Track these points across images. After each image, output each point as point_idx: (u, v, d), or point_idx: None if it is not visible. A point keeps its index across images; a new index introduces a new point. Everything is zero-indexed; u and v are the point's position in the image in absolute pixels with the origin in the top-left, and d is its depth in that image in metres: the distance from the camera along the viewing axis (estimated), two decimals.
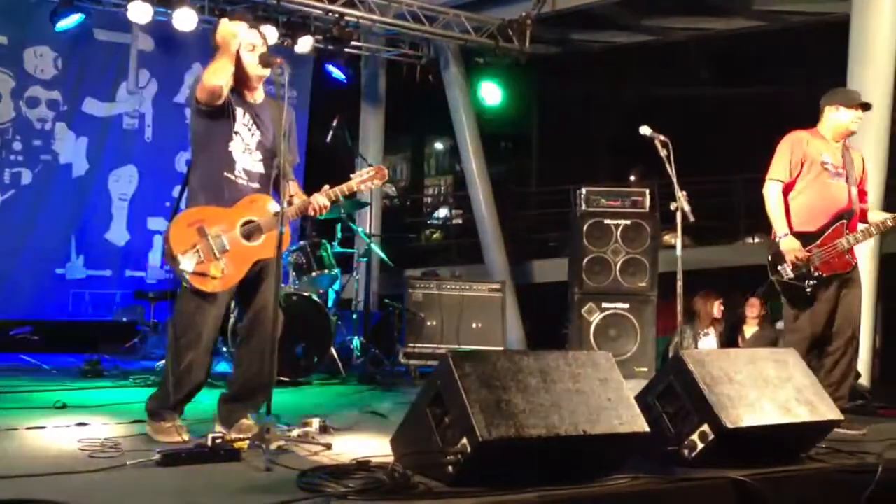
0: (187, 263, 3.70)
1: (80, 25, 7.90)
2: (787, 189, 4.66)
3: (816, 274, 4.52)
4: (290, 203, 3.93)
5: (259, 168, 3.92)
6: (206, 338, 3.82)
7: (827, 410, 3.63)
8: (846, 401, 4.54)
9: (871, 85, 5.88)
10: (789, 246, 4.53)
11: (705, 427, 3.34)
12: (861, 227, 4.62)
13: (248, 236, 3.81)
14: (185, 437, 3.74)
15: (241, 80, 3.90)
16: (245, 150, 3.87)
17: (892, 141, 6.28)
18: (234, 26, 3.72)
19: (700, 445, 3.34)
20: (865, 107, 4.71)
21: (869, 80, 5.88)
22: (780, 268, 4.57)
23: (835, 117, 4.69)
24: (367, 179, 4.02)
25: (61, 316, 8.27)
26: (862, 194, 4.77)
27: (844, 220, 4.59)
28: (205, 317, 3.79)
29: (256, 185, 3.91)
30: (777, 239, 4.58)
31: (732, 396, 3.42)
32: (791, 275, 4.52)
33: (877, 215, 4.75)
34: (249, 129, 3.90)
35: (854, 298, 4.60)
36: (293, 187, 4.04)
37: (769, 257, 4.64)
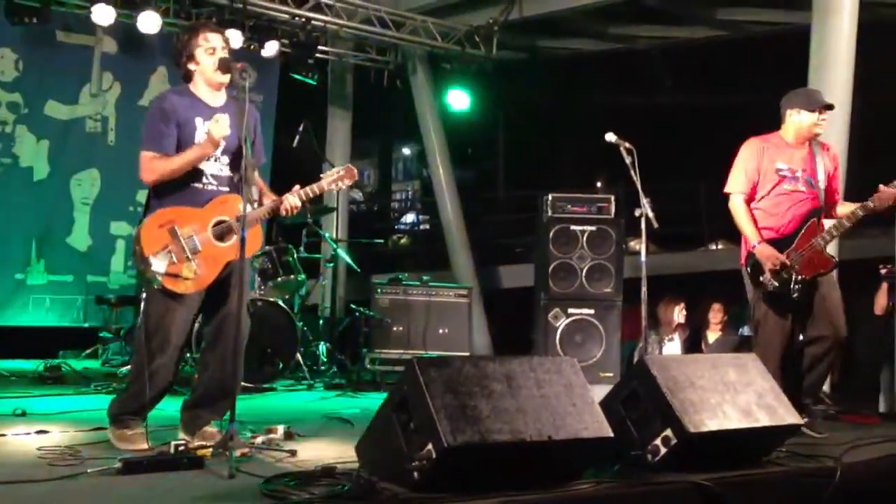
0: (159, 265, 3.66)
1: (42, 27, 7.78)
2: (749, 199, 4.58)
3: (800, 278, 4.39)
4: (260, 203, 3.91)
5: (227, 172, 3.89)
6: (175, 341, 3.79)
7: (787, 415, 3.68)
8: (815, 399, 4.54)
9: (830, 92, 5.97)
10: (765, 254, 4.41)
11: (668, 432, 3.37)
12: (832, 222, 4.51)
13: (220, 237, 3.78)
14: (147, 444, 3.69)
15: (200, 85, 3.88)
16: (210, 157, 3.84)
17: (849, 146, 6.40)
18: (223, 130, 3.70)
19: (663, 450, 3.37)
20: (828, 108, 4.59)
21: (829, 87, 5.98)
22: (762, 279, 4.43)
23: (796, 120, 4.58)
24: (337, 179, 4.00)
25: (21, 321, 8.14)
26: (833, 192, 4.65)
27: (815, 219, 4.49)
28: (175, 319, 3.75)
29: (226, 189, 3.88)
30: (752, 249, 4.46)
31: (695, 401, 3.46)
32: (775, 283, 4.38)
33: (845, 207, 4.61)
34: None
35: (835, 300, 4.48)
36: (255, 191, 3.98)
37: (748, 269, 4.50)
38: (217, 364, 3.85)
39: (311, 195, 3.93)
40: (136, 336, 3.82)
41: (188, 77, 3.92)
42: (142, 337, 3.77)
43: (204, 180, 3.83)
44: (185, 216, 3.74)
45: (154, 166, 3.76)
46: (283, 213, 3.89)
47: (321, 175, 4.02)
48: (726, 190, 4.62)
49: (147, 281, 3.76)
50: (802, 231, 4.46)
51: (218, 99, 3.92)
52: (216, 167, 3.86)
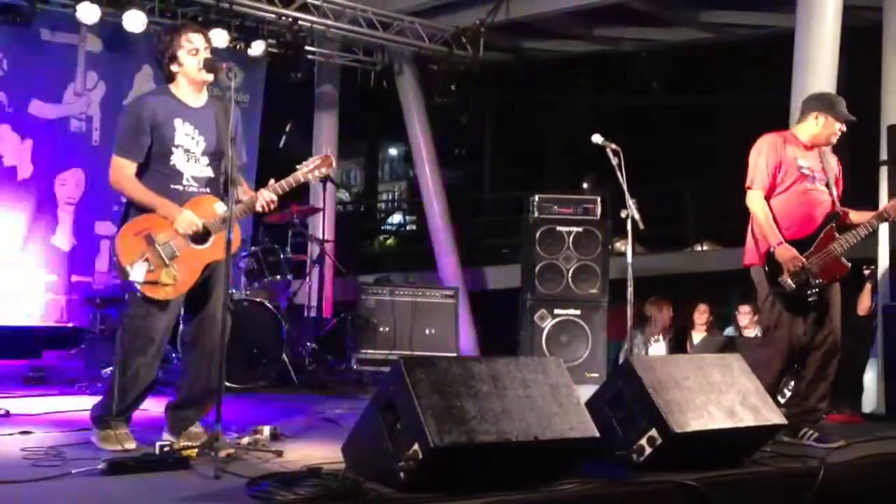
0: (137, 273, 3.65)
1: (26, 26, 7.73)
2: (767, 196, 4.41)
3: (817, 282, 4.28)
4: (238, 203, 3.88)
5: (208, 173, 3.88)
6: (157, 345, 3.78)
7: (771, 415, 3.71)
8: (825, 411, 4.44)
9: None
10: (787, 255, 4.26)
11: (654, 432, 3.39)
12: (850, 230, 4.39)
13: (196, 240, 3.76)
14: (132, 445, 3.68)
15: (182, 86, 3.86)
16: (190, 159, 3.83)
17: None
18: (190, 225, 3.68)
19: (648, 450, 3.39)
20: (852, 121, 4.49)
21: (811, 90, 6.01)
22: (780, 279, 4.29)
23: (820, 124, 4.44)
24: (313, 169, 3.93)
25: (5, 321, 8.07)
26: (839, 198, 4.54)
27: (833, 224, 4.39)
28: (156, 324, 3.74)
29: (207, 191, 3.87)
30: (772, 248, 4.31)
31: (680, 401, 3.48)
32: (793, 285, 4.26)
33: (859, 215, 4.49)
34: (193, 138, 3.84)
35: (838, 307, 4.44)
36: (240, 191, 3.97)
37: (765, 268, 4.35)
38: (199, 365, 3.84)
39: (286, 188, 3.88)
40: (118, 338, 3.79)
41: (170, 78, 3.89)
42: (123, 340, 3.75)
43: (184, 182, 3.82)
44: (161, 222, 3.72)
45: (120, 180, 3.78)
46: (261, 208, 3.84)
47: (297, 166, 3.95)
48: (747, 185, 4.44)
49: (129, 288, 3.73)
50: (821, 235, 4.34)
51: (199, 100, 3.91)
52: (197, 168, 3.85)
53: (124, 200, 3.91)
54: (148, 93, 4.11)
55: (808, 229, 4.38)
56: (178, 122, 3.81)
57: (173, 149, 3.80)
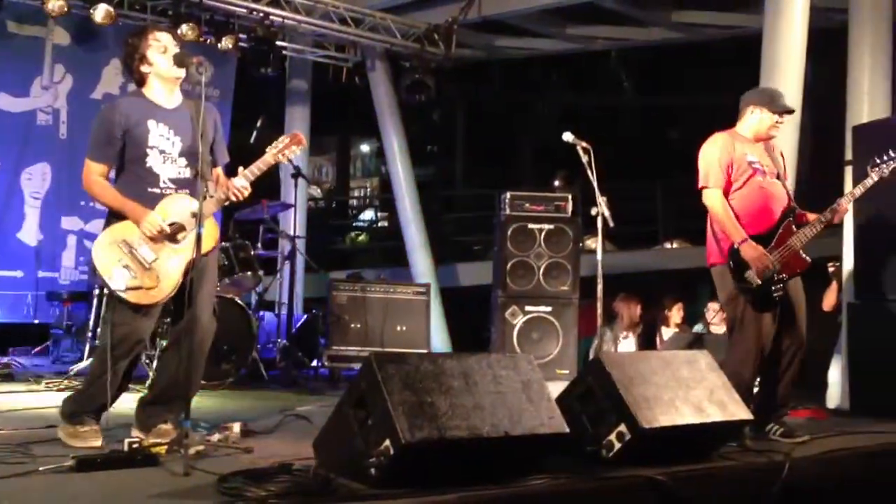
0: (119, 281, 3.62)
1: None
2: (724, 194, 4.39)
3: (782, 277, 4.30)
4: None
5: (186, 174, 3.83)
6: (140, 347, 3.78)
7: (737, 410, 3.76)
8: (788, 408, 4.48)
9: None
10: (753, 252, 4.27)
11: (622, 427, 3.42)
12: (807, 225, 4.40)
13: (174, 240, 3.73)
14: (101, 442, 3.64)
15: (155, 87, 3.83)
16: (166, 160, 3.79)
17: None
18: (154, 226, 3.65)
19: (617, 445, 3.42)
20: (789, 112, 4.52)
21: (780, 89, 6.09)
22: (746, 275, 4.30)
23: (756, 118, 4.47)
24: (283, 148, 3.83)
25: None
26: None
27: (790, 218, 4.41)
28: (141, 327, 3.72)
29: (186, 192, 3.83)
30: (737, 246, 4.31)
31: (649, 397, 3.51)
32: (759, 280, 4.27)
33: (813, 216, 4.49)
34: (168, 139, 3.81)
35: (802, 302, 4.46)
36: (211, 187, 3.92)
37: (730, 265, 4.34)
38: (177, 364, 3.80)
39: (256, 172, 3.81)
40: (103, 346, 3.73)
41: (142, 81, 3.86)
42: (109, 346, 3.68)
43: (161, 184, 3.78)
44: (135, 227, 3.69)
45: (92, 184, 3.76)
46: (234, 197, 3.79)
47: (267, 148, 3.85)
48: (702, 185, 4.44)
49: (115, 296, 3.70)
50: (780, 230, 4.37)
51: (173, 101, 3.87)
52: (174, 170, 3.81)
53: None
54: (123, 97, 4.09)
55: (767, 223, 4.39)
56: (151, 123, 3.78)
57: (148, 150, 3.76)
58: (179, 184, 3.81)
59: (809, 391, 5.94)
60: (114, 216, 3.77)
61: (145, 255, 3.67)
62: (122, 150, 3.77)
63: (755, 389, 4.55)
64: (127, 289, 3.61)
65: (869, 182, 4.47)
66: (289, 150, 3.85)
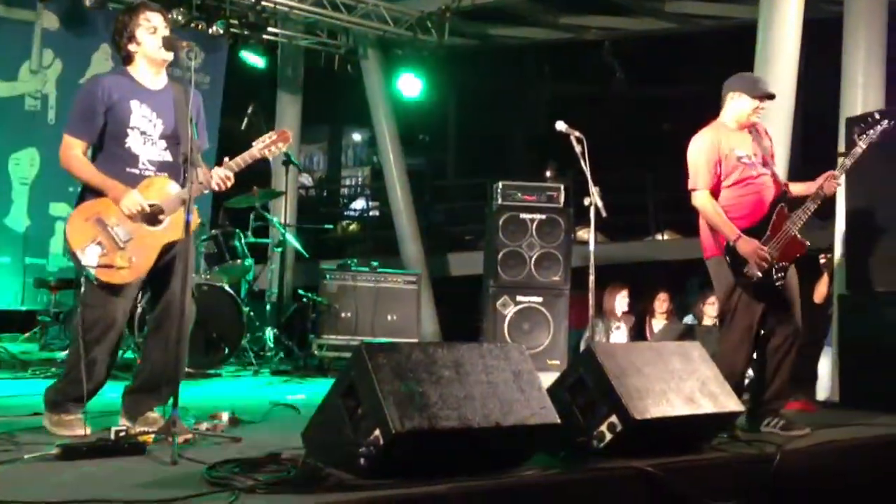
0: (90, 258, 3.56)
1: None
2: (714, 192, 4.37)
3: (782, 265, 4.27)
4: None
5: (166, 157, 3.79)
6: (116, 331, 3.71)
7: (728, 402, 3.75)
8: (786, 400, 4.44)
9: (775, 85, 6.05)
10: (749, 247, 4.23)
11: (614, 418, 3.40)
12: (800, 207, 4.37)
13: (151, 221, 3.69)
14: (87, 430, 3.60)
15: (141, 67, 3.78)
16: (147, 141, 3.74)
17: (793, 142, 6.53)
18: (135, 205, 3.59)
19: (609, 436, 3.40)
20: (769, 97, 4.47)
21: (774, 80, 6.07)
22: (745, 270, 4.26)
23: (736, 105, 4.42)
24: (269, 144, 3.82)
25: None
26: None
27: (782, 203, 4.36)
28: (114, 310, 3.66)
29: (166, 175, 3.79)
30: (731, 244, 4.26)
31: (640, 388, 3.50)
32: (759, 274, 4.23)
33: (797, 187, 4.51)
34: (150, 121, 3.76)
35: (796, 288, 4.44)
36: (200, 173, 3.89)
37: (727, 259, 4.30)
38: (161, 350, 3.77)
39: (241, 164, 3.79)
40: (74, 325, 3.70)
41: (128, 59, 3.80)
42: (82, 328, 3.65)
43: (140, 165, 3.73)
44: (112, 205, 3.63)
45: (69, 159, 3.69)
46: (216, 186, 3.76)
47: (252, 143, 3.84)
48: (691, 187, 4.41)
49: (84, 274, 3.65)
50: (773, 218, 4.33)
51: (158, 82, 3.82)
52: (154, 151, 3.76)
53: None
54: (107, 73, 4.00)
55: (760, 215, 4.36)
56: (134, 103, 3.73)
57: (128, 131, 3.71)
58: (159, 166, 3.77)
59: (800, 383, 5.93)
60: (89, 192, 3.70)
61: (120, 233, 3.61)
62: (104, 127, 3.70)
63: (750, 380, 4.54)
64: (98, 266, 3.56)
65: (858, 150, 4.42)
66: (275, 146, 3.84)
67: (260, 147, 3.82)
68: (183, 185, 3.71)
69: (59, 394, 3.72)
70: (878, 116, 4.47)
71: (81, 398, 3.67)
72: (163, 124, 3.77)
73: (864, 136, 4.44)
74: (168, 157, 3.80)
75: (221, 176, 3.75)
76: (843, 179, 4.58)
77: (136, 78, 3.78)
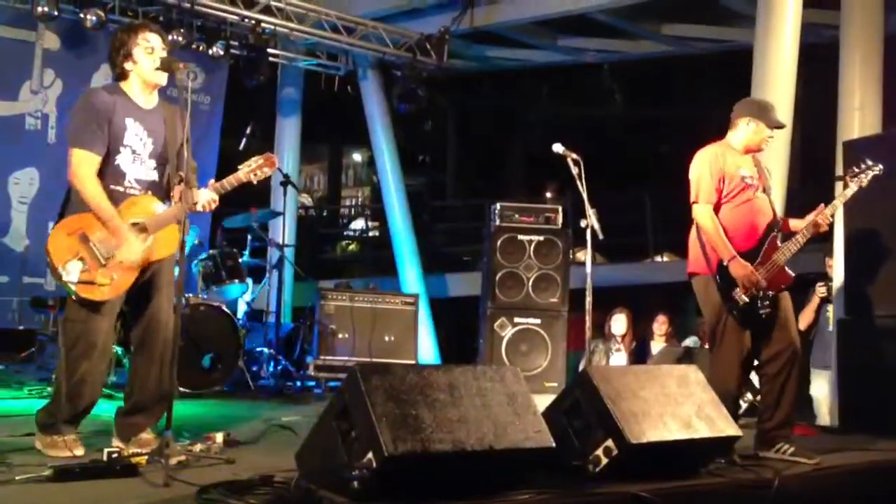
0: (71, 274, 3.55)
1: None
2: (714, 209, 4.33)
3: (769, 294, 4.26)
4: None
5: (153, 176, 3.79)
6: (100, 349, 3.68)
7: (726, 426, 3.73)
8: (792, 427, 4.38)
9: None
10: (743, 271, 4.20)
11: (610, 442, 3.38)
12: (791, 238, 4.37)
13: None
14: (79, 451, 3.58)
15: (134, 85, 3.78)
16: (136, 160, 3.74)
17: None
18: (134, 254, 3.60)
19: (604, 460, 3.38)
20: (781, 127, 4.49)
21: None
22: (733, 293, 4.27)
23: (751, 130, 4.40)
24: (255, 169, 3.81)
25: None
26: None
27: (776, 232, 4.36)
28: (96, 327, 3.64)
29: (150, 193, 3.78)
30: (727, 263, 4.24)
31: (637, 412, 3.48)
32: (746, 299, 4.22)
33: (797, 222, 4.49)
34: (141, 139, 3.76)
35: (790, 312, 4.40)
36: (195, 192, 3.86)
37: (717, 281, 4.29)
38: (147, 369, 3.75)
39: (227, 187, 3.78)
40: (60, 344, 3.68)
41: (122, 77, 3.81)
42: (66, 346, 3.63)
43: (126, 183, 3.72)
44: (96, 221, 3.61)
45: (85, 180, 3.61)
46: (202, 208, 3.75)
47: (238, 166, 3.83)
48: (692, 199, 4.39)
49: (65, 290, 3.64)
50: (765, 246, 4.32)
51: (150, 102, 3.83)
52: (142, 171, 3.76)
53: (64, 195, 3.75)
54: (99, 87, 3.98)
55: (753, 240, 4.34)
56: (129, 121, 3.73)
57: (121, 148, 3.71)
58: (143, 185, 3.76)
59: (800, 408, 5.91)
60: (74, 206, 3.68)
61: (102, 250, 3.59)
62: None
63: (743, 405, 4.52)
64: (79, 282, 3.54)
65: (849, 193, 4.46)
66: (261, 170, 3.82)
67: (246, 171, 3.81)
68: (168, 203, 3.71)
69: (51, 415, 3.69)
70: (870, 163, 4.48)
71: (73, 419, 3.65)
72: (153, 144, 3.78)
73: (856, 178, 4.46)
74: (155, 176, 3.80)
75: (207, 199, 3.76)
76: (838, 216, 4.59)
77: (129, 95, 3.78)
